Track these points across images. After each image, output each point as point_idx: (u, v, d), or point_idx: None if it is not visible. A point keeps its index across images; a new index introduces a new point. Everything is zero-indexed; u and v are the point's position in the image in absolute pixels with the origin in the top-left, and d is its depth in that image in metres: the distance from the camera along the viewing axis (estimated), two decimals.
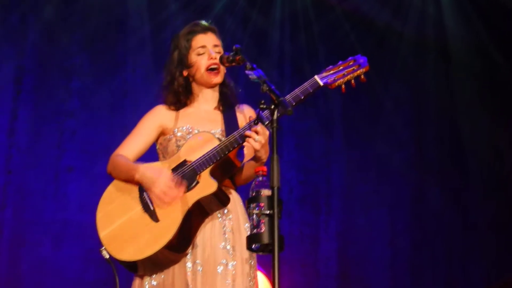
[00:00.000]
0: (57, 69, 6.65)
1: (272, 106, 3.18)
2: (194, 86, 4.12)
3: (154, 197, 3.75)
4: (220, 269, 3.76)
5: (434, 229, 7.54)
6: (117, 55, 6.87)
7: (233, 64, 3.71)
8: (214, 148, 3.75)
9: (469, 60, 7.81)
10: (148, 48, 6.95)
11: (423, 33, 7.78)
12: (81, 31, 6.76)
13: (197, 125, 3.98)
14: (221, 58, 3.85)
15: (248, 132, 3.65)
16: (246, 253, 3.80)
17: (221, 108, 4.10)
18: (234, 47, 3.66)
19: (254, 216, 3.05)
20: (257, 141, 3.62)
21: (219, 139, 3.82)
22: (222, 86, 4.15)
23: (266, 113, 3.57)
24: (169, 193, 3.71)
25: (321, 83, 3.73)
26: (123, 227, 3.78)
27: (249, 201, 3.10)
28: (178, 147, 3.92)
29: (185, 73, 4.09)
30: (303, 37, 7.60)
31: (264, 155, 3.72)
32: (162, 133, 4.06)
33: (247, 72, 3.40)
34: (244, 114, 4.09)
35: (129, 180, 3.86)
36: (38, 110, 6.55)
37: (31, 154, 6.45)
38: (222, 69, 4.06)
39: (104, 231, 3.81)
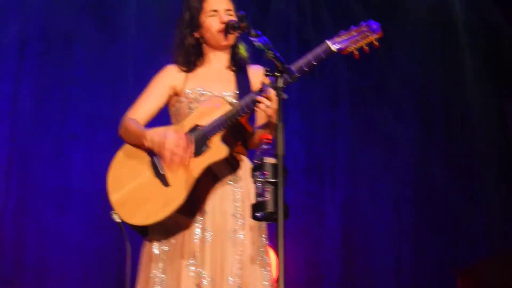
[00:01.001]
0: (61, 36, 6.60)
1: (277, 74, 3.15)
2: (205, 48, 4.08)
3: (165, 160, 3.73)
4: (230, 236, 3.76)
5: (439, 200, 7.51)
6: (121, 22, 6.81)
7: (238, 31, 3.68)
8: (226, 113, 3.72)
9: (477, 33, 7.75)
10: (153, 15, 6.90)
11: (430, 5, 7.71)
12: None
13: (209, 86, 3.94)
14: (226, 26, 3.81)
15: (259, 97, 3.60)
16: (255, 222, 3.76)
17: (233, 68, 4.07)
18: (238, 13, 3.63)
19: (259, 184, 3.05)
20: (269, 106, 3.57)
21: (231, 103, 3.79)
22: (234, 47, 4.10)
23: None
24: (178, 151, 3.69)
25: (334, 48, 3.58)
26: (133, 191, 3.79)
27: (253, 169, 3.10)
28: (190, 109, 3.90)
29: (196, 35, 4.05)
30: (309, 7, 7.53)
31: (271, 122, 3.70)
32: (173, 94, 4.02)
33: (251, 39, 3.37)
34: (256, 74, 4.02)
35: (139, 146, 3.85)
36: (41, 77, 6.52)
37: (35, 121, 6.44)
38: (233, 36, 4.01)
39: (115, 195, 3.82)
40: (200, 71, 4.05)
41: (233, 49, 4.09)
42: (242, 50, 4.11)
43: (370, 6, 7.45)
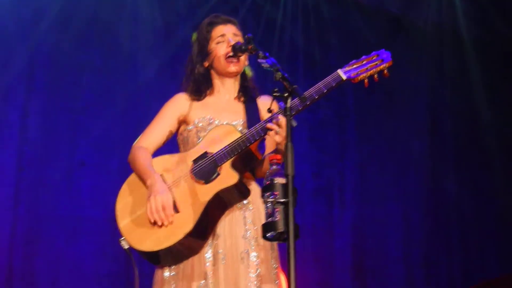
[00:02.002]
0: (68, 64, 6.64)
1: (286, 94, 3.17)
2: (215, 77, 4.13)
3: (148, 205, 3.73)
4: (242, 259, 3.77)
5: (449, 221, 7.51)
6: (129, 50, 6.86)
7: (246, 53, 3.71)
8: (236, 140, 3.75)
9: (484, 47, 7.78)
10: (160, 43, 6.95)
11: (436, 20, 7.75)
12: (92, 26, 6.75)
13: (218, 116, 3.98)
14: (233, 48, 3.84)
15: (269, 125, 3.65)
16: (268, 244, 3.80)
17: (241, 99, 4.11)
18: (246, 36, 3.66)
19: (269, 204, 3.05)
20: (279, 133, 3.60)
21: (241, 132, 3.82)
22: (243, 78, 4.16)
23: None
24: (156, 213, 3.69)
25: (344, 77, 3.73)
26: (142, 217, 3.78)
27: (263, 189, 3.10)
28: (199, 138, 3.92)
29: (205, 64, 4.10)
30: (315, 29, 7.57)
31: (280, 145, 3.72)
32: (182, 122, 4.06)
33: (259, 60, 3.41)
34: (266, 105, 4.05)
35: (142, 181, 3.86)
36: (50, 105, 6.54)
37: (44, 150, 6.45)
38: (242, 60, 4.07)
39: (124, 221, 3.82)
40: (209, 101, 4.09)
41: (242, 80, 4.15)
42: (247, 70, 4.15)
43: (378, 25, 7.49)
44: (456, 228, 7.54)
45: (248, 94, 4.12)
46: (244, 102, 4.09)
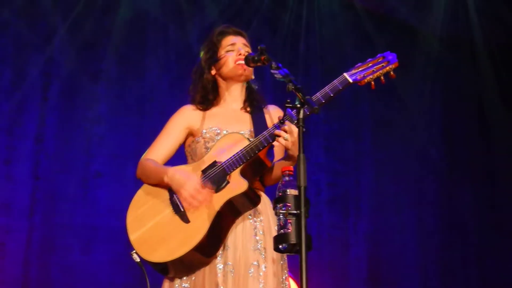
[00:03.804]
0: (84, 75, 6.67)
1: (298, 105, 3.16)
2: (221, 85, 4.13)
3: (183, 200, 3.75)
4: (251, 270, 3.75)
5: (466, 229, 7.46)
6: (144, 60, 6.89)
7: (258, 64, 3.70)
8: (244, 147, 3.74)
9: (498, 53, 7.75)
10: (173, 52, 6.97)
11: (451, 28, 7.73)
12: (107, 37, 6.79)
13: (225, 126, 3.98)
14: (246, 59, 3.83)
15: (277, 131, 3.64)
16: (277, 255, 3.79)
17: (248, 109, 4.11)
18: (259, 46, 3.65)
19: (281, 216, 3.04)
20: (287, 139, 3.60)
21: (249, 139, 3.81)
22: (249, 88, 4.17)
23: (295, 111, 3.54)
24: (197, 196, 3.71)
25: (351, 80, 3.72)
26: (153, 229, 3.77)
27: (276, 201, 3.08)
28: (207, 149, 3.92)
29: (213, 71, 4.12)
30: (330, 36, 7.58)
31: (296, 153, 3.70)
32: (190, 134, 4.06)
33: (272, 71, 3.39)
34: (272, 114, 4.08)
35: (159, 183, 3.86)
36: (65, 116, 6.58)
37: (59, 160, 6.49)
38: (250, 68, 4.07)
39: (135, 234, 3.80)
40: (216, 111, 4.10)
41: (248, 92, 4.16)
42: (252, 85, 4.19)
43: (392, 33, 7.49)
44: (473, 236, 7.50)
45: (254, 104, 4.12)
46: (251, 113, 4.09)
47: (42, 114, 6.49)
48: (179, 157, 4.12)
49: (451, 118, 7.78)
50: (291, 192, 3.04)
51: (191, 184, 3.73)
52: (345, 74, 3.74)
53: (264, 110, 4.12)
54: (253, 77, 4.16)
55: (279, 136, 3.64)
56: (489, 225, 7.48)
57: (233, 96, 4.13)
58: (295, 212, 3.00)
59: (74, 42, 6.67)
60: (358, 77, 3.74)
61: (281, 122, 3.64)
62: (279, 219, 3.04)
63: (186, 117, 4.08)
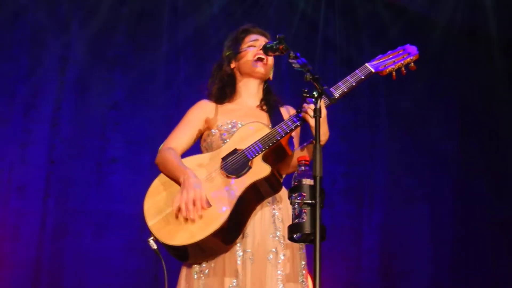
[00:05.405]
0: (101, 60, 6.68)
1: (316, 95, 3.16)
2: (239, 81, 4.16)
3: (181, 199, 3.70)
4: (270, 257, 3.76)
5: (479, 222, 7.44)
6: (160, 47, 6.89)
7: (277, 53, 3.70)
8: (267, 134, 3.77)
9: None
10: (192, 40, 6.97)
11: (466, 23, 7.70)
12: (125, 23, 6.79)
13: (242, 120, 3.98)
14: (264, 48, 3.82)
15: (305, 105, 3.67)
16: (296, 243, 3.75)
17: (264, 107, 4.13)
18: (277, 36, 3.64)
19: (296, 205, 3.05)
20: (312, 116, 3.55)
21: (269, 128, 3.84)
22: (267, 89, 4.20)
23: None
24: (189, 206, 3.66)
25: (373, 70, 3.82)
26: (172, 215, 3.74)
27: (291, 190, 3.09)
28: (223, 140, 3.93)
29: (232, 65, 4.16)
30: (347, 27, 7.56)
31: (323, 136, 3.73)
32: (206, 128, 4.07)
33: (290, 60, 3.38)
34: (290, 112, 4.10)
35: (174, 179, 3.84)
36: (81, 100, 6.59)
37: (75, 144, 6.50)
38: (269, 65, 4.12)
39: (153, 220, 3.77)
40: (232, 107, 4.12)
41: (265, 93, 4.18)
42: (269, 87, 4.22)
43: (407, 27, 7.47)
44: (486, 229, 7.47)
45: (271, 103, 4.14)
46: (267, 111, 4.11)
47: (58, 99, 6.50)
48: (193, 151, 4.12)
49: (467, 111, 7.75)
50: (307, 182, 3.05)
51: (192, 194, 3.67)
52: (367, 64, 3.83)
53: (281, 108, 4.13)
54: (271, 77, 4.18)
55: (306, 112, 3.66)
56: (503, 220, 7.45)
57: (250, 93, 4.15)
58: (310, 202, 3.00)
59: (91, 27, 6.67)
60: (380, 67, 3.85)
61: (300, 111, 3.68)
62: (294, 209, 3.05)
63: (205, 110, 4.09)
